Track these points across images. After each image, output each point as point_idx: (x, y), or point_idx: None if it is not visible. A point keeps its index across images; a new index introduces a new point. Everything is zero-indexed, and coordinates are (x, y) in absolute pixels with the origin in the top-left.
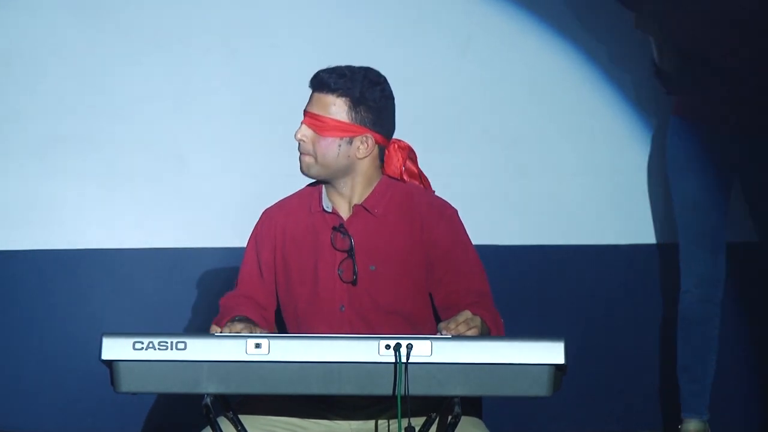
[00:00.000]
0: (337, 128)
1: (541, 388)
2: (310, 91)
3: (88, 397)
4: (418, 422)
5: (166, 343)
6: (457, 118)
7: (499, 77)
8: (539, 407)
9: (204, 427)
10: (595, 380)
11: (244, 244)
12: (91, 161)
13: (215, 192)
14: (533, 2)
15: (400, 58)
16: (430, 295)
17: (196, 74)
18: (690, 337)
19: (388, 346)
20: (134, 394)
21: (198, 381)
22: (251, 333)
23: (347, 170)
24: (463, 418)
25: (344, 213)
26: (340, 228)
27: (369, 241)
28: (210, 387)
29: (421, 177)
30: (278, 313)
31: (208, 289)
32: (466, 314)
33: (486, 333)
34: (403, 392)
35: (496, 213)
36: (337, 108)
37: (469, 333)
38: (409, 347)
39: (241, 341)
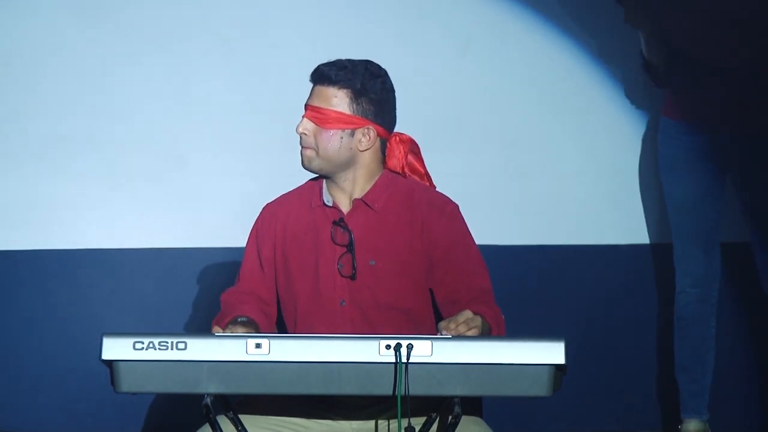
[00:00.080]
0: (338, 120)
1: (541, 388)
2: (309, 90)
3: (88, 397)
4: (418, 422)
5: (167, 343)
6: (457, 118)
7: (499, 77)
8: (539, 407)
9: (204, 426)
10: (595, 380)
11: (244, 243)
12: (91, 161)
13: (215, 192)
14: (533, 2)
15: (400, 58)
16: (431, 291)
17: (196, 74)
18: (687, 337)
19: (388, 346)
20: (134, 394)
21: (198, 381)
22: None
23: (349, 163)
24: (464, 417)
25: (345, 207)
26: (340, 222)
27: (369, 235)
28: (210, 387)
29: (427, 175)
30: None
31: (209, 288)
32: (467, 314)
33: (487, 331)
34: (403, 392)
35: (496, 213)
36: (339, 100)
37: (470, 333)
38: (410, 347)
39: (242, 341)
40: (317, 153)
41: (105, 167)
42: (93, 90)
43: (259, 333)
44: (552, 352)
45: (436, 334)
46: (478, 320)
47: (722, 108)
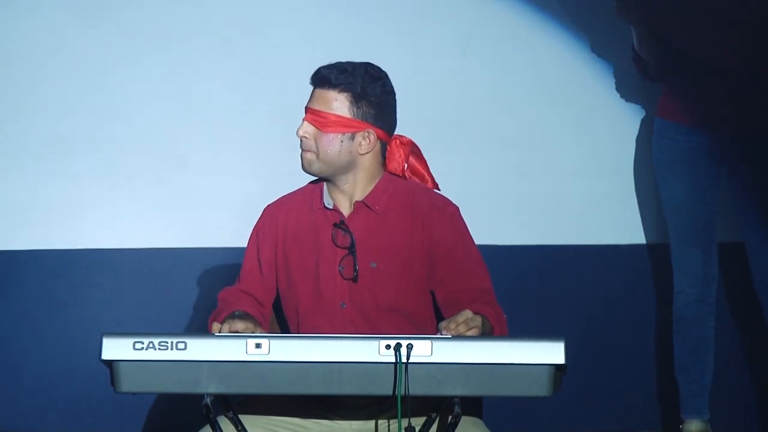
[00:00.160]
0: (338, 124)
1: (541, 388)
2: (310, 90)
3: (88, 397)
4: (418, 422)
5: (166, 343)
6: (457, 118)
7: (499, 77)
8: (539, 407)
9: (204, 427)
10: (595, 380)
11: (244, 243)
12: (92, 161)
13: (215, 192)
14: (533, 2)
15: (399, 58)
16: (432, 293)
17: (196, 74)
18: (686, 337)
19: (388, 346)
20: (134, 394)
21: (198, 381)
22: (252, 332)
23: (349, 166)
24: (463, 418)
25: (345, 210)
26: (341, 225)
27: (370, 238)
28: (210, 387)
29: (429, 176)
30: (279, 309)
31: (209, 288)
32: (467, 314)
33: (489, 331)
34: (403, 392)
35: (496, 213)
36: (339, 103)
37: (470, 333)
38: (410, 347)
39: (241, 341)
40: (317, 156)
41: (105, 167)
42: (93, 90)
43: (258, 326)
44: (552, 352)
45: (436, 335)
46: (478, 320)
47: (718, 108)
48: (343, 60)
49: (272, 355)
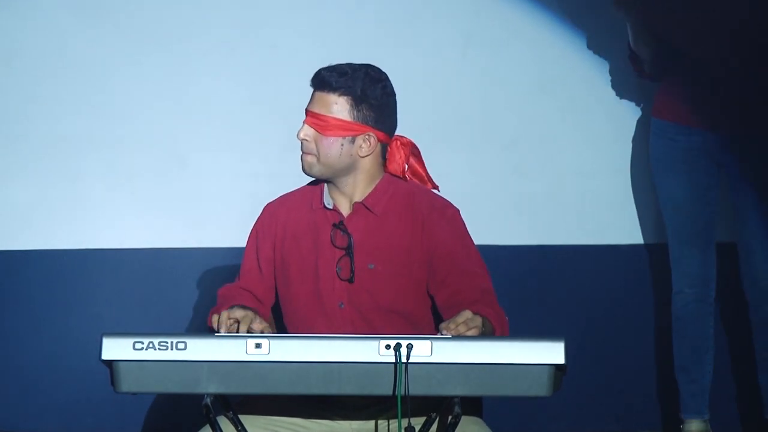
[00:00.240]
0: (339, 127)
1: (541, 388)
2: (310, 90)
3: (88, 397)
4: (418, 422)
5: (166, 343)
6: (456, 118)
7: (499, 77)
8: (539, 407)
9: (204, 427)
10: (595, 380)
11: (244, 243)
12: (92, 161)
13: (216, 192)
14: (533, 2)
15: (399, 57)
16: (432, 296)
17: (196, 74)
18: (685, 337)
19: (388, 346)
20: (134, 394)
21: (198, 381)
22: (251, 321)
23: (349, 169)
24: (464, 417)
25: (345, 210)
26: (339, 225)
27: (369, 239)
28: (210, 387)
29: (428, 178)
30: (278, 309)
31: (209, 288)
32: (467, 314)
33: (490, 332)
34: (403, 392)
35: (496, 213)
36: (339, 107)
37: (469, 333)
38: (410, 347)
39: (241, 341)
40: (318, 159)
41: (105, 167)
42: (93, 90)
43: (258, 316)
44: (552, 352)
45: (436, 335)
46: (478, 320)
47: (717, 107)
48: (343, 60)
49: (272, 355)
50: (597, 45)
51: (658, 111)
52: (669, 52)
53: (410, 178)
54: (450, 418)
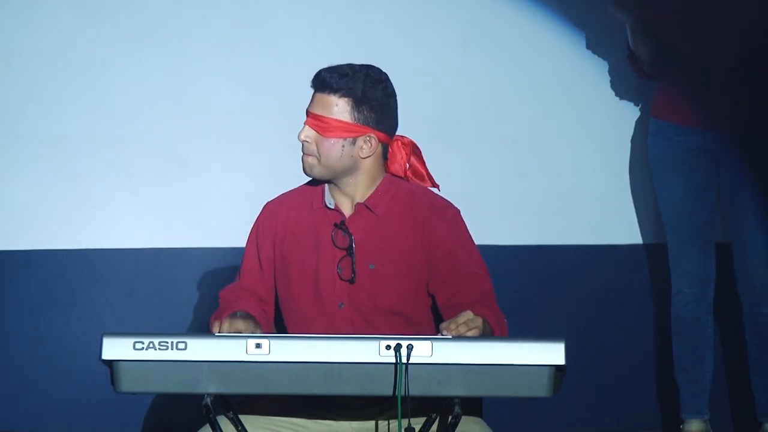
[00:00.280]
0: (340, 129)
1: (541, 389)
2: (310, 90)
3: (88, 397)
4: (418, 423)
5: (167, 343)
6: (457, 118)
7: (499, 77)
8: (539, 407)
9: (204, 426)
10: (595, 380)
11: (244, 243)
12: (92, 161)
13: (216, 192)
14: (533, 2)
15: (399, 57)
16: (432, 296)
17: (196, 74)
18: (685, 338)
19: (388, 347)
20: (134, 394)
21: (198, 381)
22: (252, 333)
23: (350, 170)
24: (464, 417)
25: (346, 211)
26: (341, 225)
27: (370, 239)
28: (210, 387)
29: (429, 177)
30: (277, 308)
31: (209, 288)
32: (467, 315)
33: (489, 333)
34: (403, 393)
35: (496, 213)
36: (340, 108)
37: (470, 333)
38: (410, 348)
39: (242, 341)
40: (319, 161)
41: (105, 167)
42: (93, 90)
43: (259, 327)
44: (552, 353)
45: (436, 335)
46: (479, 321)
47: (716, 107)
48: (344, 60)
49: (272, 355)
50: (597, 45)
51: (657, 111)
52: (668, 52)
53: (411, 178)
54: (450, 418)
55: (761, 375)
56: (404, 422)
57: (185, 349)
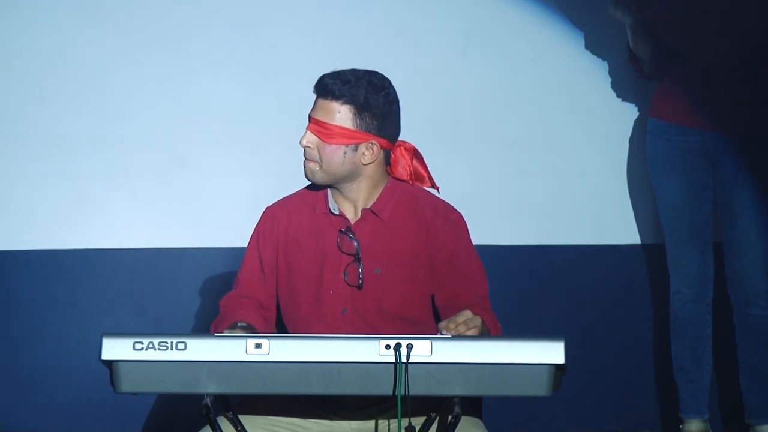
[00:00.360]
0: (342, 135)
1: (540, 388)
2: (310, 91)
3: (88, 397)
4: (418, 422)
5: (166, 343)
6: (457, 118)
7: (499, 78)
8: (539, 407)
9: (204, 427)
10: (595, 380)
11: (245, 244)
12: (92, 161)
13: (216, 192)
14: (532, 2)
15: (399, 57)
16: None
17: (196, 74)
18: (684, 338)
19: (388, 346)
20: (134, 394)
21: (198, 381)
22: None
23: (352, 176)
24: (463, 418)
25: (350, 216)
26: (347, 231)
27: (376, 244)
28: (210, 387)
29: (430, 179)
30: (278, 313)
31: (209, 289)
32: (466, 314)
33: (486, 334)
34: (403, 392)
35: (496, 213)
36: (342, 115)
37: (469, 333)
38: (409, 347)
39: (241, 341)
40: (321, 166)
41: (105, 167)
42: (93, 90)
43: None
44: (552, 352)
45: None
46: (478, 320)
47: (716, 108)
48: (343, 61)
49: (272, 355)
50: (597, 45)
51: (655, 111)
52: (668, 52)
53: (413, 182)
54: (450, 418)
55: (751, 377)
56: (404, 422)
57: (185, 349)
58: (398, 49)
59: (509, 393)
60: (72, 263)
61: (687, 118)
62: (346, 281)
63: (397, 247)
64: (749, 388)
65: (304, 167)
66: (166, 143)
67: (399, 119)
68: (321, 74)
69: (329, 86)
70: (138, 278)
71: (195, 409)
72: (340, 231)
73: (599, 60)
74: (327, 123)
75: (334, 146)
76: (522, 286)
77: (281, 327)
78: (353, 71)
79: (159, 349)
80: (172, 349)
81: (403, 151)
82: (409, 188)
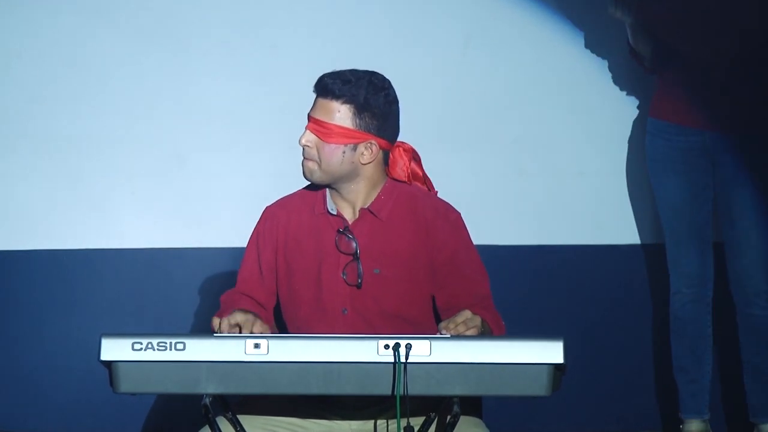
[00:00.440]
0: (341, 135)
1: (540, 388)
2: (310, 91)
3: (88, 397)
4: (417, 422)
5: (165, 343)
6: (456, 119)
7: (499, 77)
8: (539, 407)
9: (203, 427)
10: (595, 380)
11: (244, 244)
12: (92, 161)
13: (216, 192)
14: (532, 2)
15: (399, 57)
16: (432, 297)
17: (197, 74)
18: (684, 338)
19: (387, 346)
20: (133, 394)
21: (197, 381)
22: (252, 325)
23: (351, 176)
24: (462, 417)
25: (349, 216)
26: (345, 231)
27: (374, 244)
28: (209, 387)
29: (426, 180)
30: (278, 313)
31: (208, 289)
32: (466, 314)
33: (488, 332)
34: (402, 392)
35: (496, 213)
36: (342, 115)
37: (468, 333)
38: (408, 347)
39: (240, 341)
40: (319, 166)
41: (105, 167)
42: (93, 90)
43: (259, 320)
44: (551, 352)
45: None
46: (477, 320)
47: (716, 107)
48: (343, 61)
49: (271, 355)
50: (597, 45)
51: (655, 111)
52: (668, 51)
53: (412, 182)
54: (449, 417)
55: (753, 377)
56: (403, 422)
57: (184, 349)
58: (398, 49)
59: (508, 393)
60: (72, 263)
61: (687, 118)
62: (345, 281)
63: (396, 247)
64: (752, 388)
65: (303, 167)
66: (166, 143)
67: (398, 120)
68: (321, 74)
69: (329, 86)
70: (138, 278)
71: (194, 409)
72: (338, 231)
73: (599, 60)
74: (326, 122)
75: (333, 146)
76: (522, 286)
77: (282, 327)
78: (353, 71)
79: (158, 349)
80: (171, 349)
81: (402, 152)
82: (407, 188)
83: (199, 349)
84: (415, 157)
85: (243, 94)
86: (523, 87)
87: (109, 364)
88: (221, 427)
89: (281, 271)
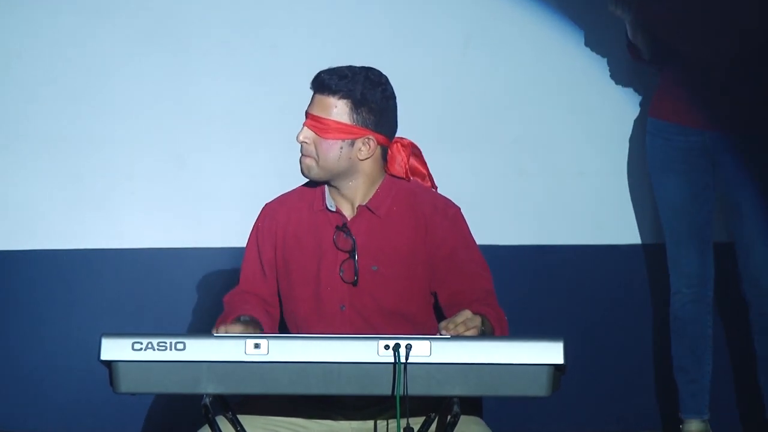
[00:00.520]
0: (338, 130)
1: (540, 388)
2: (310, 90)
3: (88, 397)
4: (417, 422)
5: (165, 343)
6: (456, 118)
7: (499, 77)
8: (539, 407)
9: (203, 427)
10: (595, 380)
11: (244, 243)
12: (92, 161)
13: (215, 192)
14: (533, 2)
15: (399, 57)
16: (434, 295)
17: (197, 74)
18: (684, 338)
19: (387, 347)
20: (133, 394)
21: (197, 381)
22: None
23: (349, 172)
24: (463, 417)
25: (347, 213)
26: (343, 228)
27: (372, 241)
28: (209, 387)
29: (429, 177)
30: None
31: (208, 289)
32: (466, 314)
33: (489, 331)
34: (402, 392)
35: (496, 213)
36: (339, 110)
37: (468, 333)
38: (408, 347)
39: (240, 341)
40: (317, 162)
41: (105, 167)
42: (93, 90)
43: (257, 329)
44: (551, 352)
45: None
46: (478, 320)
47: (712, 107)
48: (344, 60)
49: (271, 355)
50: (597, 44)
51: (655, 110)
52: (668, 50)
53: (412, 178)
54: (449, 417)
55: (767, 375)
56: (403, 422)
57: (184, 349)
58: (398, 49)
59: (508, 393)
60: (72, 263)
61: (687, 118)
62: (342, 278)
63: (394, 244)
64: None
65: (300, 163)
66: (166, 143)
67: (396, 115)
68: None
69: (326, 81)
70: (138, 278)
71: (194, 409)
72: (336, 228)
73: (599, 59)
74: (323, 118)
75: (330, 141)
76: (522, 286)
77: (281, 323)
78: (350, 67)
79: (158, 349)
80: (171, 349)
81: (400, 148)
82: (406, 185)
83: (199, 349)
84: (415, 152)
85: (243, 94)
86: (523, 87)
87: (109, 364)
88: (221, 427)
89: (281, 269)
